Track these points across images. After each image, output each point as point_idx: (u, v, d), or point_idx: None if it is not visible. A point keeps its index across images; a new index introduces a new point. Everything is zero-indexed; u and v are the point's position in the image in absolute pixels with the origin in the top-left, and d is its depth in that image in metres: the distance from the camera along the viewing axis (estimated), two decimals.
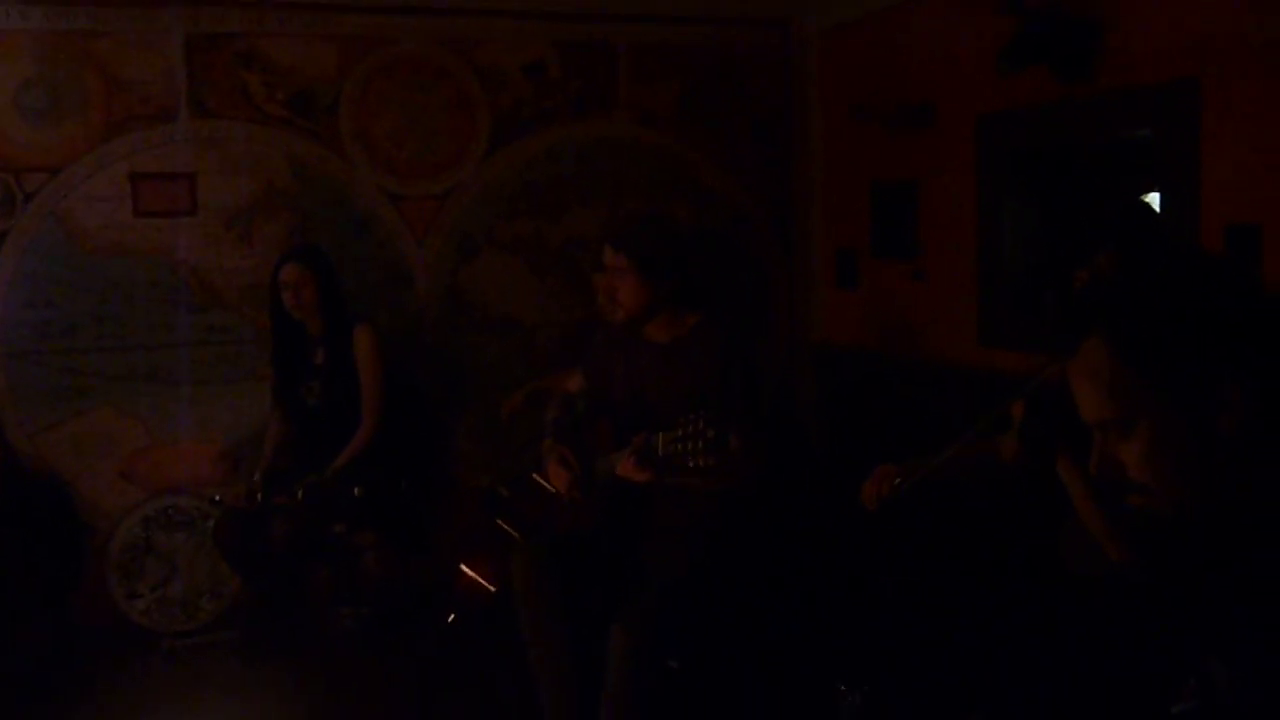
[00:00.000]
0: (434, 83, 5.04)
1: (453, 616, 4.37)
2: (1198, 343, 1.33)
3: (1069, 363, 1.41)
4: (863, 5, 5.01)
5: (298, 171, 4.89)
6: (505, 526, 4.14)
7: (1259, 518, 1.38)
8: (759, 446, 3.13)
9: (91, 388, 4.69)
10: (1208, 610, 1.48)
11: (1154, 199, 3.74)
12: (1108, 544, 2.34)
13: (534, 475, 3.91)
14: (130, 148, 4.67)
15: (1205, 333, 1.33)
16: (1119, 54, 3.66)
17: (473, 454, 5.17)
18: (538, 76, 5.17)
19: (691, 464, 2.84)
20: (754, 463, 3.13)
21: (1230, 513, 1.40)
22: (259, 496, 4.24)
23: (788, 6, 5.36)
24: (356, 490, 4.25)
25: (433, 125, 5.06)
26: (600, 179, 5.29)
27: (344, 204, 4.96)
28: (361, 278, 4.88)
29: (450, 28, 5.02)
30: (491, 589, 4.14)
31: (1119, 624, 2.15)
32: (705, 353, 3.25)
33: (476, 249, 5.16)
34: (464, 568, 4.30)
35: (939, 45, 4.55)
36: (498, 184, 5.17)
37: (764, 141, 5.53)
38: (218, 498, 4.45)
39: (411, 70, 5.00)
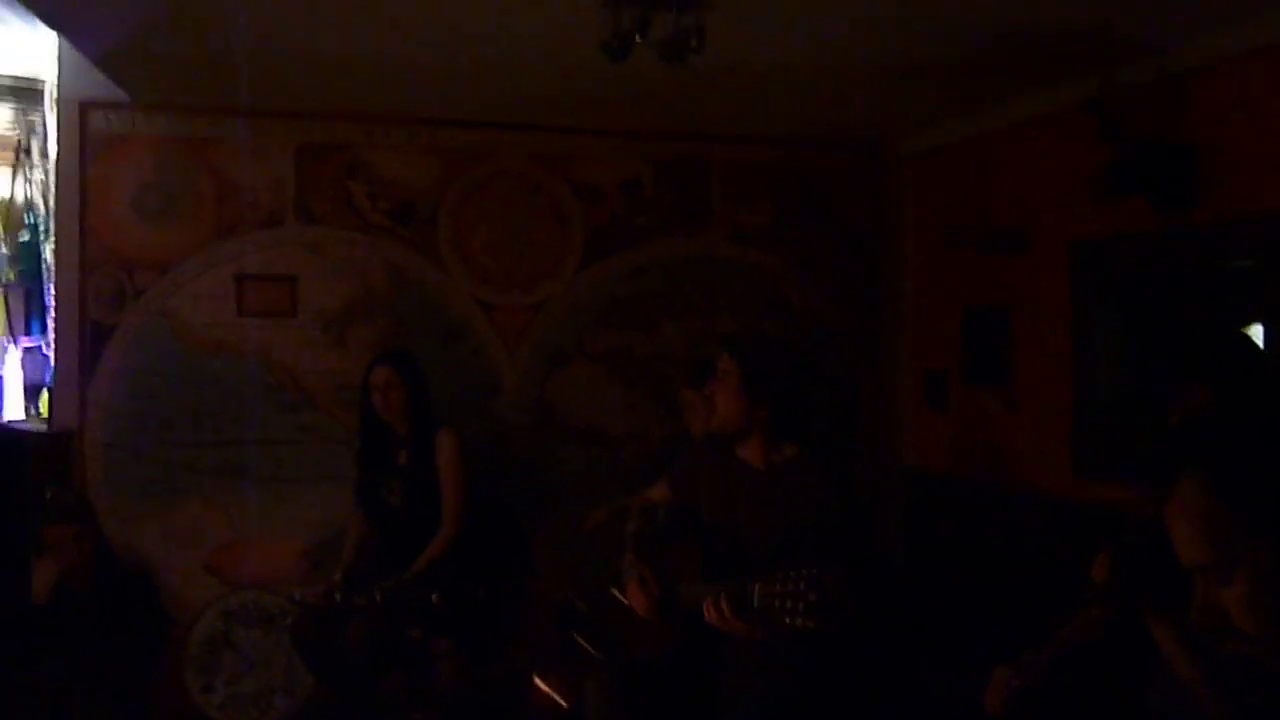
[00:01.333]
0: (531, 196, 5.17)
1: None
2: None
3: (1165, 507, 1.37)
4: (956, 130, 5.03)
5: (395, 278, 5.02)
6: (581, 641, 4.07)
7: None
8: (856, 586, 3.04)
9: (184, 481, 4.79)
10: None
11: (1256, 330, 3.63)
12: (1202, 694, 2.22)
13: (612, 591, 3.86)
14: (237, 250, 4.85)
15: None
16: (1220, 182, 3.60)
17: (552, 565, 5.13)
18: (633, 193, 5.27)
19: (788, 622, 2.75)
20: (850, 601, 3.03)
21: None
22: (337, 596, 4.25)
23: (881, 130, 5.40)
24: (434, 597, 4.23)
25: (528, 238, 5.17)
26: (692, 295, 5.34)
27: (438, 312, 5.07)
28: (451, 384, 4.93)
29: (548, 144, 5.16)
30: (564, 704, 4.06)
31: None
32: (806, 487, 3.14)
33: (567, 360, 5.22)
34: (537, 681, 4.23)
35: (1033, 171, 4.53)
36: (590, 297, 5.24)
37: (855, 262, 5.54)
38: (297, 596, 4.47)
39: (510, 184, 5.14)
